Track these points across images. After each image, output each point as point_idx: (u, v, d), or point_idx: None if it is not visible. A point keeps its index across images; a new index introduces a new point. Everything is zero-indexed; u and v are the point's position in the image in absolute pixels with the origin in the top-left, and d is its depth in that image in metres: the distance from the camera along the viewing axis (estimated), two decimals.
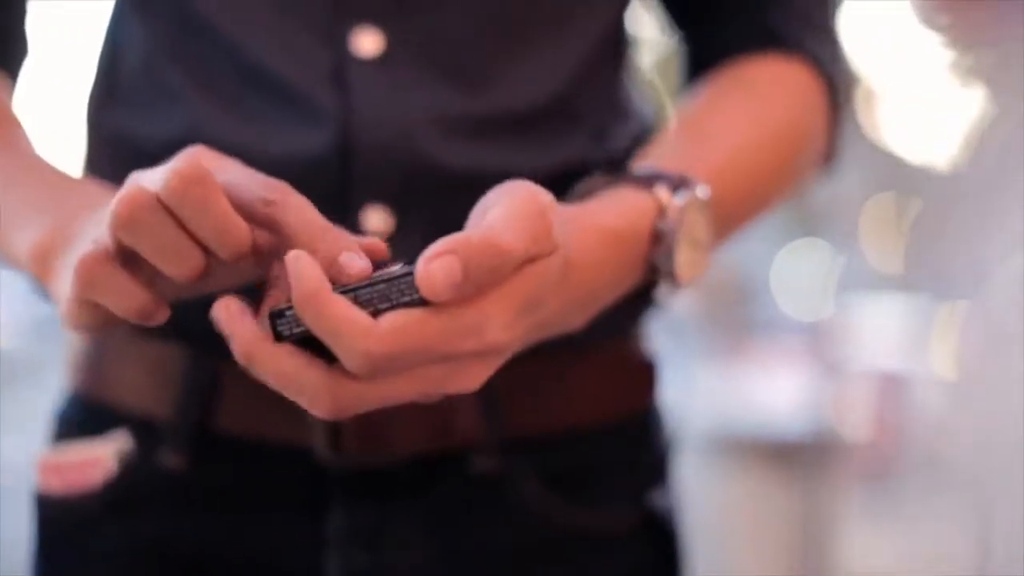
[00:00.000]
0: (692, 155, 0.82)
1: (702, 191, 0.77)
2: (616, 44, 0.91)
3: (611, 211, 0.74)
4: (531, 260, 0.62)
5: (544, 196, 0.64)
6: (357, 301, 0.59)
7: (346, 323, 0.58)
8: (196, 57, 0.83)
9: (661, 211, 0.76)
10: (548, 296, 0.65)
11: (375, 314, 0.59)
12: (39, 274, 0.71)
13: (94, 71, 0.90)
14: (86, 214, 0.69)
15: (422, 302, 0.59)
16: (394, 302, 0.59)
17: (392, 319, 0.59)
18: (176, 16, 0.83)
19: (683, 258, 0.76)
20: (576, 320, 0.73)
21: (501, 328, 0.61)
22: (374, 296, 0.59)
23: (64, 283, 0.66)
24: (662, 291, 0.78)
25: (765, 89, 0.90)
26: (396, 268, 0.61)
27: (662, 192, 0.76)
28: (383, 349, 0.58)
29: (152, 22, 0.85)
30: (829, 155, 0.95)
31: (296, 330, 0.60)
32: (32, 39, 0.90)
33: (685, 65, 0.96)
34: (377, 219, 0.80)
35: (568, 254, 0.66)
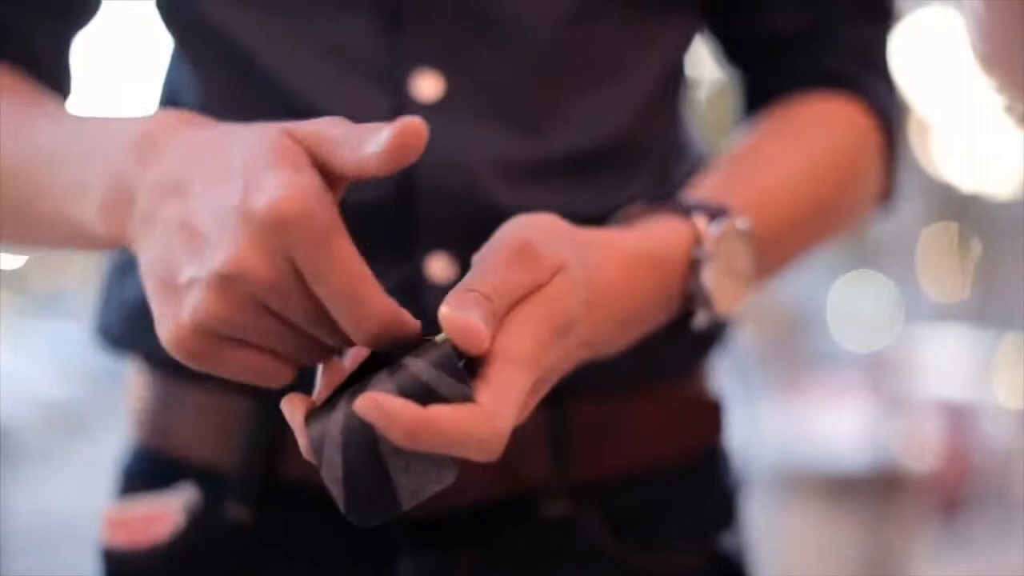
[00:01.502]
0: (734, 185, 0.81)
1: (741, 221, 0.76)
2: (675, 83, 0.90)
3: (645, 237, 0.73)
4: (538, 287, 0.63)
5: (524, 230, 0.64)
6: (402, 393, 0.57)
7: (472, 426, 0.57)
8: (252, 105, 0.83)
9: (698, 239, 0.75)
10: (576, 316, 0.65)
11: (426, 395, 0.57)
12: (118, 238, 0.68)
13: None
14: (131, 163, 0.66)
15: (465, 368, 0.58)
16: (445, 393, 0.57)
17: (492, 394, 0.58)
18: (232, 65, 0.83)
19: (720, 286, 0.75)
20: (618, 341, 0.72)
21: (537, 345, 0.61)
22: (416, 391, 0.57)
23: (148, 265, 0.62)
24: (701, 320, 0.77)
25: (818, 125, 0.89)
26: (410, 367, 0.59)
27: (699, 220, 0.75)
28: (507, 421, 0.58)
29: (207, 72, 0.85)
30: (886, 194, 0.94)
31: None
32: (76, 77, 0.89)
33: (741, 99, 0.96)
34: (440, 267, 0.80)
35: (591, 275, 0.66)
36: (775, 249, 0.83)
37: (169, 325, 0.60)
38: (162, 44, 0.90)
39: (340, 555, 0.83)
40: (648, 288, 0.72)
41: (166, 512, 0.85)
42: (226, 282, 0.57)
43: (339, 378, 0.62)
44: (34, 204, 0.75)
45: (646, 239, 0.73)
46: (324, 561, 0.84)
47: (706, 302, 0.75)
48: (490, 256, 0.63)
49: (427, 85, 0.81)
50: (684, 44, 0.90)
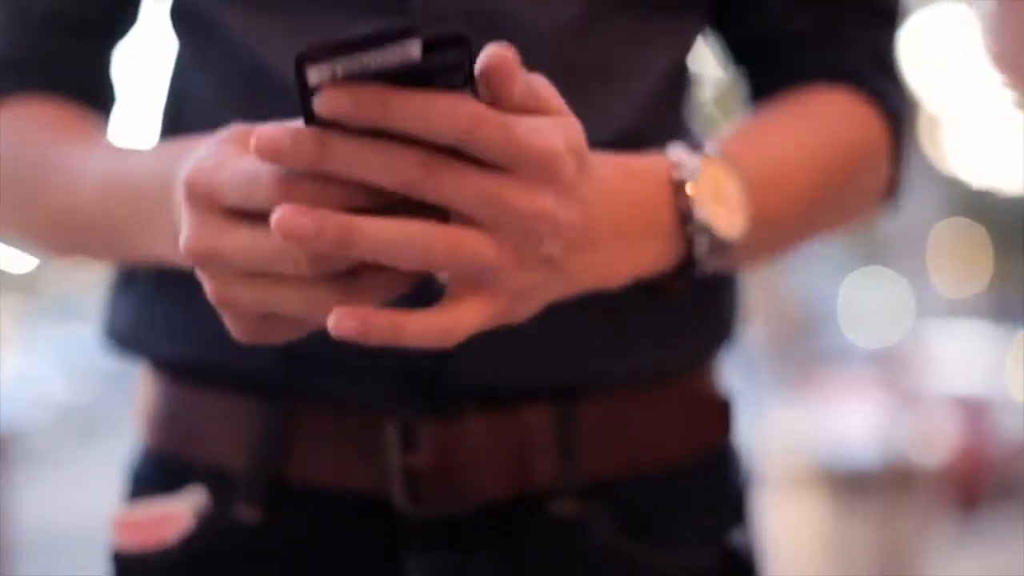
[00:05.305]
0: (735, 147, 0.82)
1: (717, 148, 0.78)
2: (680, 83, 0.90)
3: (627, 159, 0.75)
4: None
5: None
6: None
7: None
8: (260, 109, 0.83)
9: (677, 165, 0.76)
10: (584, 166, 0.66)
11: None
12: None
13: (158, 127, 0.90)
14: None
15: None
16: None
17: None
18: (239, 68, 0.83)
19: (714, 211, 0.76)
20: (618, 261, 0.72)
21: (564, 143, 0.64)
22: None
23: None
24: (703, 251, 0.77)
25: (822, 109, 0.89)
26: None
27: (676, 151, 0.77)
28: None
29: (215, 75, 0.85)
30: (892, 190, 0.94)
31: None
32: (119, 87, 0.94)
33: (747, 98, 0.95)
34: None
35: (592, 170, 0.68)
36: (773, 216, 0.82)
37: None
38: (168, 47, 0.90)
39: (349, 556, 0.83)
40: (639, 196, 0.73)
41: (175, 514, 0.85)
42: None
43: None
44: (91, 234, 0.83)
45: (629, 160, 0.75)
46: (333, 562, 0.84)
47: (702, 226, 0.76)
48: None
49: None
50: (688, 44, 0.90)
